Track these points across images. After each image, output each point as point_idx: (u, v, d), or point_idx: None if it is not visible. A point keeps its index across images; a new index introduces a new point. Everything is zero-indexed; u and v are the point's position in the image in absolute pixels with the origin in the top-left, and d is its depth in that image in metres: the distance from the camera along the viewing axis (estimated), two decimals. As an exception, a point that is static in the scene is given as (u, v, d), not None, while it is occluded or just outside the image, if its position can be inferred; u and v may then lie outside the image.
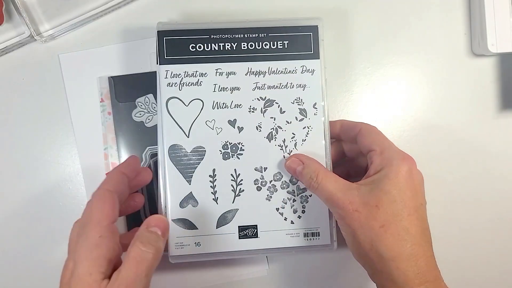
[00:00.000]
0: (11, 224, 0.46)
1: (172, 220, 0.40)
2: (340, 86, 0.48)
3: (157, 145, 0.41)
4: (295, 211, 0.42)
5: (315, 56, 0.42)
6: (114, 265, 0.34)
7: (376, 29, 0.48)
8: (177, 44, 0.41)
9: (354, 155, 0.43)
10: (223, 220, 0.41)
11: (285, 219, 0.41)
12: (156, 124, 0.42)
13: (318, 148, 0.42)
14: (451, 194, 0.48)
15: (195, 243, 0.40)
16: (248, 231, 0.41)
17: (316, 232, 0.42)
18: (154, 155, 0.45)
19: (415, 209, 0.35)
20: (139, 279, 0.32)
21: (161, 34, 0.41)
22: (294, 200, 0.42)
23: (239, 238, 0.41)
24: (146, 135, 0.45)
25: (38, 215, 0.46)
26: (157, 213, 0.40)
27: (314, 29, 0.42)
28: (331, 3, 0.48)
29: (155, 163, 0.44)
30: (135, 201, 0.41)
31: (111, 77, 0.44)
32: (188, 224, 0.40)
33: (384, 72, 0.48)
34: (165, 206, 0.40)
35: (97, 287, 0.32)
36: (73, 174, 0.46)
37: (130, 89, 0.45)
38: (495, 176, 0.49)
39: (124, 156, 0.45)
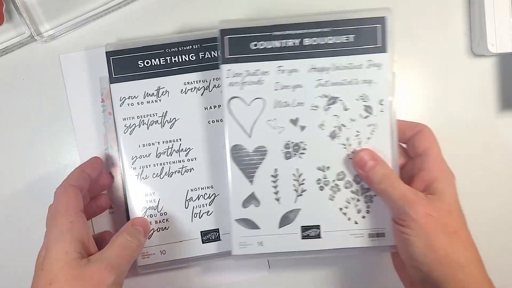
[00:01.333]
0: (10, 223, 0.47)
1: (235, 220, 0.41)
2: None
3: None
4: (359, 211, 0.40)
5: (383, 49, 0.40)
6: (87, 251, 0.36)
7: None
8: (239, 42, 0.40)
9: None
10: (285, 220, 0.41)
11: (349, 219, 0.41)
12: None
13: (384, 147, 0.40)
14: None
15: (258, 242, 0.41)
16: (310, 231, 0.41)
17: (381, 233, 0.40)
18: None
19: (462, 215, 0.37)
20: (121, 263, 0.35)
21: (223, 33, 0.40)
22: (358, 200, 0.40)
23: (302, 238, 0.41)
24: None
25: (37, 215, 0.43)
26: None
27: (382, 20, 0.39)
28: (331, 3, 0.47)
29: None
30: (100, 203, 0.43)
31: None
32: (250, 224, 0.41)
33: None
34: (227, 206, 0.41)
35: (76, 264, 0.33)
36: None
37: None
38: (495, 175, 0.49)
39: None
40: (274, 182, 0.41)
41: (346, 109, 0.40)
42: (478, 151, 0.48)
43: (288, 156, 0.41)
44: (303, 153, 0.40)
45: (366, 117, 0.40)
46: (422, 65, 0.48)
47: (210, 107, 0.43)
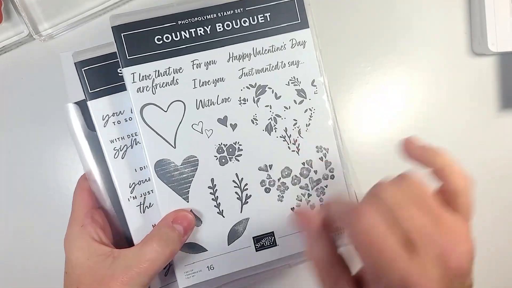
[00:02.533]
0: (9, 223, 0.45)
1: (175, 247, 0.34)
2: (340, 85, 0.46)
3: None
4: (312, 207, 0.36)
5: (304, 25, 0.36)
6: (108, 245, 0.34)
7: (376, 28, 0.47)
8: (140, 39, 0.34)
9: None
10: (234, 235, 0.35)
11: (303, 218, 0.36)
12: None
13: (326, 131, 0.36)
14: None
15: (208, 267, 0.35)
16: (265, 241, 0.35)
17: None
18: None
19: None
20: (145, 275, 0.31)
21: (117, 29, 0.33)
22: (309, 195, 0.36)
23: (257, 251, 0.35)
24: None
25: (37, 214, 0.45)
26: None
27: (297, -7, 0.35)
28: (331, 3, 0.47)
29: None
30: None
31: (76, 102, 0.37)
32: (195, 248, 0.34)
33: (384, 71, 0.47)
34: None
35: (103, 264, 0.32)
36: (72, 174, 0.45)
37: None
38: (495, 175, 0.48)
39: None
40: (213, 194, 0.35)
41: (277, 97, 0.36)
42: (478, 150, 0.48)
43: (223, 162, 0.35)
44: (239, 155, 0.35)
45: (300, 102, 0.36)
46: (422, 65, 0.48)
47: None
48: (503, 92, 0.49)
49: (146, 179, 0.35)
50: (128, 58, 0.33)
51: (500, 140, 0.49)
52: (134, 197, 0.35)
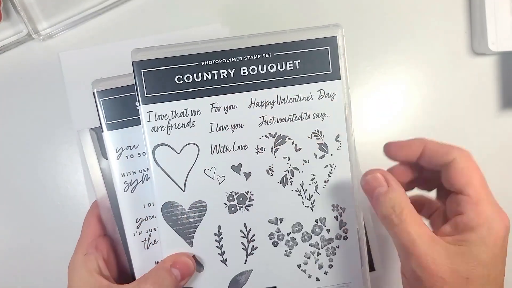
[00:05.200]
0: (8, 223, 0.46)
1: (174, 290, 0.34)
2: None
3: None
4: (320, 267, 0.35)
5: (335, 76, 0.33)
6: (107, 277, 0.34)
7: (376, 28, 0.47)
8: (160, 77, 0.32)
9: (425, 185, 0.36)
10: (235, 285, 0.34)
11: (309, 276, 0.35)
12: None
13: (344, 190, 0.34)
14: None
15: (205, 314, 0.34)
16: (266, 295, 0.34)
17: None
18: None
19: (500, 285, 0.29)
20: None
21: (138, 65, 0.32)
22: (318, 254, 0.35)
23: (256, 304, 0.34)
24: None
25: (35, 214, 0.46)
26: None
27: (332, 41, 0.33)
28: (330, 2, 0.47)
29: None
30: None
31: (93, 129, 0.36)
32: (194, 294, 0.34)
33: (384, 71, 0.47)
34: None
35: None
36: (71, 174, 0.46)
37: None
38: (496, 175, 0.45)
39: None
40: (219, 241, 0.34)
41: (297, 150, 0.34)
42: (479, 150, 0.46)
43: (232, 210, 0.34)
44: (250, 205, 0.34)
45: (321, 157, 0.34)
46: (422, 64, 0.48)
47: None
48: (503, 92, 0.48)
49: (153, 216, 0.35)
50: (146, 95, 0.32)
51: (500, 140, 0.49)
52: (140, 233, 0.35)
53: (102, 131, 0.34)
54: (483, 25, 0.45)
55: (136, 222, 0.35)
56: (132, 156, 0.35)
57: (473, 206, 0.29)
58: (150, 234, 0.35)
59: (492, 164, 0.46)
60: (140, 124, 0.33)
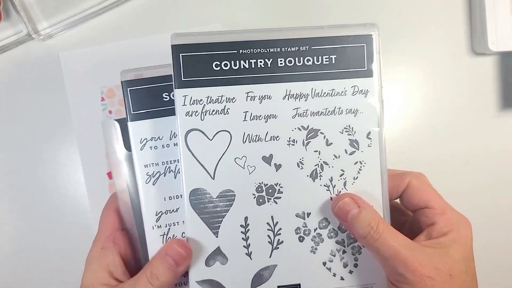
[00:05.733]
0: (9, 223, 0.46)
1: (196, 281, 0.33)
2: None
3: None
4: (345, 265, 0.34)
5: (369, 73, 0.34)
6: (116, 278, 0.33)
7: None
8: (198, 62, 0.32)
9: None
10: (258, 279, 0.33)
11: (334, 275, 0.34)
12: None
13: (373, 189, 0.34)
14: (452, 193, 0.45)
15: (226, 309, 0.33)
16: (289, 292, 0.33)
17: (371, 289, 0.34)
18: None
19: (475, 280, 0.32)
20: None
21: (177, 49, 0.32)
22: (344, 252, 0.34)
23: (279, 301, 0.33)
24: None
25: (35, 214, 0.46)
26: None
27: (368, 39, 0.33)
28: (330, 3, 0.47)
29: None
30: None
31: (117, 120, 0.36)
32: (216, 286, 0.33)
33: (384, 71, 0.49)
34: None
35: None
36: (71, 173, 0.46)
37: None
38: (496, 174, 0.49)
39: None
40: (245, 233, 0.33)
41: (328, 144, 0.34)
42: (478, 149, 0.48)
43: (260, 202, 0.33)
44: (278, 197, 0.33)
45: (351, 153, 0.34)
46: (422, 64, 0.48)
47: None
48: (503, 92, 0.49)
49: (173, 210, 0.34)
50: (182, 79, 0.32)
51: (500, 140, 0.49)
52: (159, 226, 0.34)
53: (128, 121, 0.34)
54: (483, 25, 0.45)
55: (156, 215, 0.34)
56: (156, 148, 0.34)
57: (441, 216, 0.33)
58: (169, 228, 0.34)
59: (492, 164, 0.48)
60: (167, 116, 0.33)
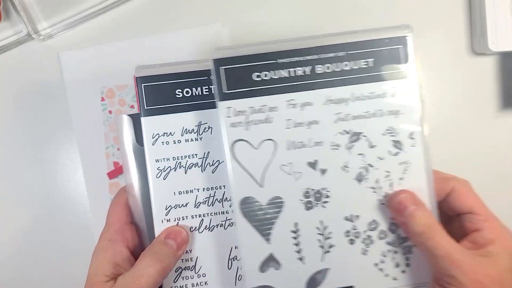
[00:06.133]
0: (9, 223, 0.46)
1: (251, 288, 0.33)
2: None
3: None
4: (397, 265, 0.34)
5: (408, 74, 0.34)
6: (120, 271, 0.34)
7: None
8: (239, 74, 0.33)
9: None
10: (312, 283, 0.34)
11: (386, 275, 0.34)
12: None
13: (420, 189, 0.34)
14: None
15: (282, 313, 0.33)
16: (343, 295, 0.34)
17: (425, 288, 0.34)
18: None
19: None
20: None
21: (217, 63, 0.33)
22: (395, 252, 0.34)
23: (334, 304, 0.34)
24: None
25: (35, 214, 0.46)
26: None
27: (404, 40, 0.34)
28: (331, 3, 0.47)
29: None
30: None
31: (130, 115, 0.37)
32: (271, 292, 0.33)
33: None
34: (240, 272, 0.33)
35: (102, 286, 0.33)
36: (71, 173, 0.46)
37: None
38: (496, 174, 0.48)
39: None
40: (295, 238, 0.34)
41: (372, 146, 0.34)
42: (478, 150, 0.48)
43: (309, 207, 0.34)
44: (326, 202, 0.34)
45: (396, 154, 0.34)
46: (422, 64, 0.46)
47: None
48: (503, 92, 0.48)
49: (183, 204, 0.35)
50: (224, 92, 0.33)
51: (500, 140, 0.48)
52: (168, 220, 0.35)
53: (141, 116, 0.35)
54: (483, 25, 0.45)
55: (166, 209, 0.35)
56: (167, 143, 0.35)
57: (485, 223, 0.33)
58: (177, 222, 0.35)
59: (492, 164, 0.48)
60: (178, 113, 0.35)
